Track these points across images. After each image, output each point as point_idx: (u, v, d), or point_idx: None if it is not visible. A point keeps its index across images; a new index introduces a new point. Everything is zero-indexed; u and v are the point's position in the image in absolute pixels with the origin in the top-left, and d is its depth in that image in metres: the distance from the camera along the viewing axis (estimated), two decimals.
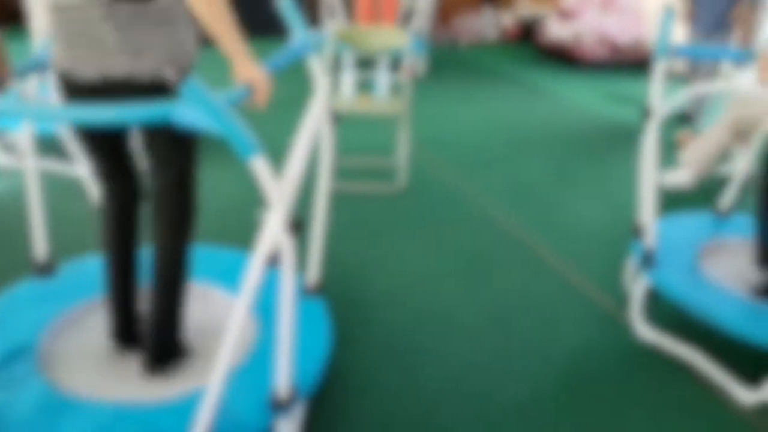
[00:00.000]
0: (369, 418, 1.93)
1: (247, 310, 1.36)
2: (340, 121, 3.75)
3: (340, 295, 2.54)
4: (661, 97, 2.24)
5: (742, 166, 2.88)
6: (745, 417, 2.00)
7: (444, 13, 7.65)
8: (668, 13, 2.20)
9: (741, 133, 3.52)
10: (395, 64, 4.86)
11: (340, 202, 3.37)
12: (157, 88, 1.59)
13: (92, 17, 1.54)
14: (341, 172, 3.70)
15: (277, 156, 1.87)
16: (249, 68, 1.59)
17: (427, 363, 2.20)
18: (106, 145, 1.76)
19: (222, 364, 1.39)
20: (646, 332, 2.33)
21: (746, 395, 2.04)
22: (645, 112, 2.24)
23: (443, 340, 2.33)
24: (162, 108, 1.24)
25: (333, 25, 6.13)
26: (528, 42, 7.48)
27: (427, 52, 6.12)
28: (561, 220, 3.32)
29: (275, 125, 3.72)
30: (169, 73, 1.58)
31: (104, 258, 1.87)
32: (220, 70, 3.32)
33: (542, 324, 2.44)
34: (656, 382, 2.15)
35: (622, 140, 4.55)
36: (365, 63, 4.87)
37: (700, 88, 2.10)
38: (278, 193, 1.31)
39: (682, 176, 3.73)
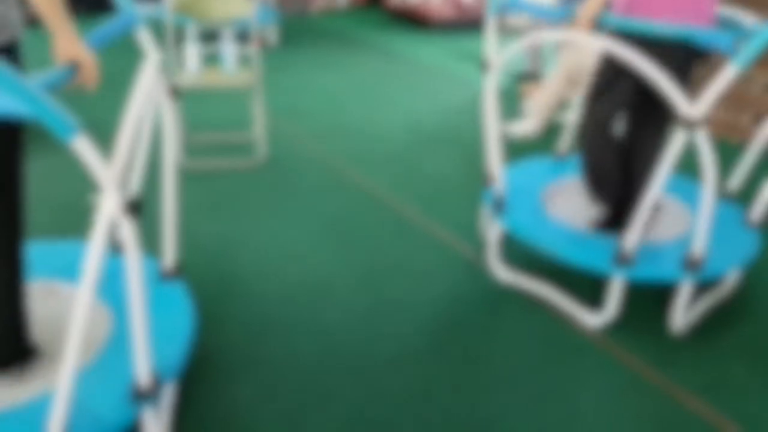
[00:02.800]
0: (247, 394, 1.91)
1: (90, 302, 1.28)
2: (191, 96, 3.59)
3: (207, 276, 2.47)
4: (496, 50, 2.35)
5: (575, 111, 3.11)
6: (591, 338, 2.21)
7: None
8: None
9: (574, 81, 3.80)
10: (243, 35, 4.70)
11: (198, 181, 3.25)
12: None
13: None
14: (197, 150, 3.56)
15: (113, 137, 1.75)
16: (72, 46, 1.47)
17: (302, 332, 2.20)
18: None
19: (69, 360, 1.30)
20: (503, 274, 2.48)
21: (591, 319, 2.25)
22: (482, 66, 2.34)
23: (316, 308, 2.34)
24: None
25: None
26: (377, 6, 7.54)
27: (278, 21, 5.98)
28: (421, 177, 3.42)
29: (108, 105, 3.49)
30: None
31: None
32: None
33: (410, 280, 2.53)
34: (515, 318, 2.31)
35: (471, 95, 4.75)
36: (211, 36, 4.68)
37: (528, 39, 2.22)
38: (108, 174, 1.23)
39: (527, 126, 3.98)
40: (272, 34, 5.85)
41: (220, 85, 3.38)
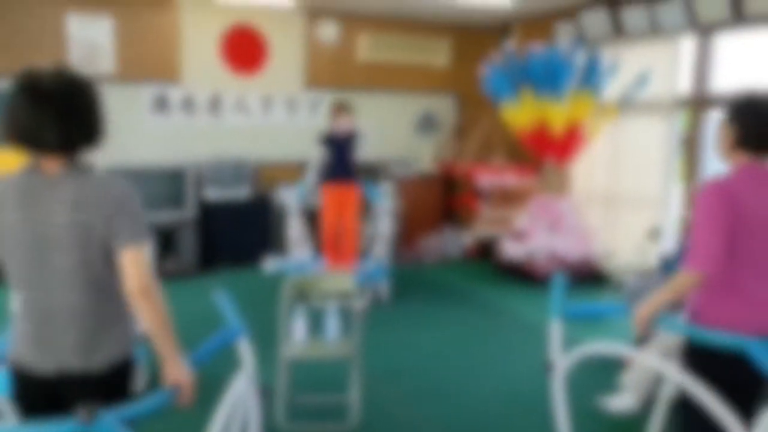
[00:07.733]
0: None
1: None
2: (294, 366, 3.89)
3: None
4: (560, 351, 2.50)
5: (667, 389, 3.04)
6: None
7: (409, 235, 8.27)
8: (559, 280, 2.55)
9: (669, 354, 3.75)
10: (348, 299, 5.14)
11: None
12: (107, 380, 1.80)
13: (58, 322, 1.77)
14: (295, 412, 3.81)
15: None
16: (177, 371, 1.79)
17: None
18: None
19: None
20: None
21: None
22: (546, 367, 2.48)
23: None
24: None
25: (300, 253, 6.61)
26: (487, 259, 8.00)
27: (391, 274, 6.52)
28: None
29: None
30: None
31: None
32: None
33: None
34: None
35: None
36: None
37: (597, 347, 2.37)
38: None
39: (625, 401, 3.89)
40: (384, 289, 6.35)
41: (323, 356, 3.73)
